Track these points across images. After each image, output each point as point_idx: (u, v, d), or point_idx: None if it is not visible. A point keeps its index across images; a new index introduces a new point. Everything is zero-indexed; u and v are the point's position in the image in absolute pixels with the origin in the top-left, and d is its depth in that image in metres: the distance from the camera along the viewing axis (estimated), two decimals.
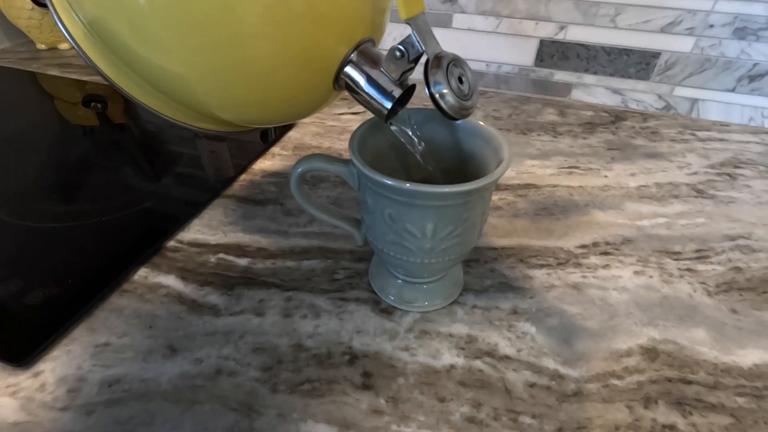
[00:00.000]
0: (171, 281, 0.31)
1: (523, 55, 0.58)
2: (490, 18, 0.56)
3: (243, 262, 0.33)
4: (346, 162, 0.25)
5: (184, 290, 0.31)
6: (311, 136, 0.49)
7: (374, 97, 0.25)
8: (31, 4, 0.65)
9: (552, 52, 0.56)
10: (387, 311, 0.29)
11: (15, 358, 0.25)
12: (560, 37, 0.55)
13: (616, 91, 0.57)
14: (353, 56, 0.25)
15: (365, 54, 0.25)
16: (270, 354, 0.27)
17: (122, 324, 0.28)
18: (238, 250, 0.34)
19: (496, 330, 0.28)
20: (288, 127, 0.50)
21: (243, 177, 0.42)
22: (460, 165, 0.29)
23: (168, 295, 0.30)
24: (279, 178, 0.42)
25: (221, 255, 0.33)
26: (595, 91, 0.57)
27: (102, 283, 0.30)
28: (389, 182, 0.21)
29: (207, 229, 0.36)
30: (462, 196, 0.22)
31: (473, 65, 0.60)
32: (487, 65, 0.60)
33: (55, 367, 0.25)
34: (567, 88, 0.58)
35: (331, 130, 0.51)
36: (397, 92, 0.25)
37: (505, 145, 0.24)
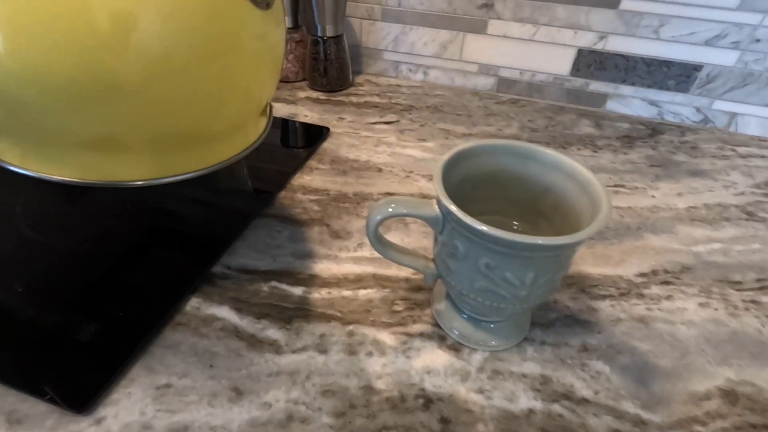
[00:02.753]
0: (225, 312, 0.30)
1: (559, 63, 0.56)
2: (527, 25, 0.55)
3: (297, 291, 0.32)
4: (432, 207, 0.23)
5: (240, 323, 0.29)
6: (347, 148, 0.48)
7: None
8: None
9: (589, 62, 0.55)
10: (454, 348, 0.28)
11: (76, 405, 0.24)
12: (599, 46, 0.53)
13: (652, 103, 0.56)
14: None
15: None
16: (340, 397, 0.25)
17: (180, 362, 0.27)
18: (290, 277, 0.33)
19: (569, 369, 0.27)
20: (322, 139, 0.49)
21: (283, 194, 0.41)
22: (533, 197, 0.27)
23: (224, 329, 0.29)
24: (320, 195, 0.41)
25: (273, 283, 0.32)
26: (631, 102, 0.56)
27: (155, 315, 0.29)
28: (500, 235, 0.20)
29: (254, 253, 0.34)
30: (572, 246, 0.21)
31: (506, 72, 0.59)
32: (520, 73, 0.58)
33: (117, 412, 0.24)
34: (602, 98, 0.57)
35: (366, 141, 0.49)
36: None
37: (604, 194, 0.23)
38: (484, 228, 0.20)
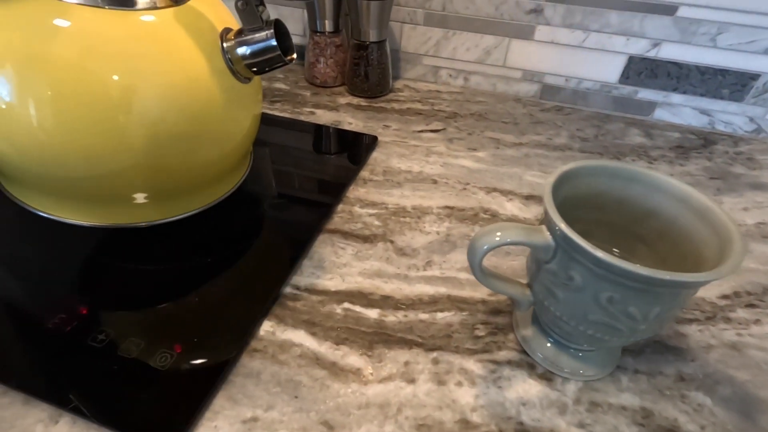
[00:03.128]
0: (301, 337, 0.28)
1: (608, 71, 0.55)
2: (577, 31, 0.53)
3: (372, 314, 0.30)
4: (543, 235, 0.22)
5: (318, 349, 0.28)
6: (397, 158, 0.46)
7: (263, 51, 0.29)
8: None
9: (640, 69, 0.53)
10: (546, 377, 0.27)
11: None
12: (652, 54, 0.52)
13: (704, 112, 0.54)
14: (226, 48, 0.29)
15: (227, 38, 0.29)
16: None
17: (264, 393, 0.25)
18: (363, 299, 0.31)
19: (670, 401, 0.26)
20: (372, 148, 0.47)
21: (340, 207, 0.39)
22: (632, 221, 0.26)
23: (303, 355, 0.27)
24: (379, 209, 0.39)
25: (346, 305, 0.31)
26: (681, 111, 0.55)
27: (232, 341, 0.27)
28: (643, 273, 0.18)
29: (321, 272, 0.33)
30: (704, 282, 0.19)
31: (550, 79, 0.57)
32: (566, 80, 0.57)
33: None
34: (650, 106, 0.56)
35: (415, 150, 0.48)
36: (270, 33, 0.29)
37: (730, 222, 0.21)
38: (616, 262, 0.19)
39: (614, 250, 0.27)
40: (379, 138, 0.49)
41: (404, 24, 0.59)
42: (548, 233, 0.22)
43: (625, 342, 0.23)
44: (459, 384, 0.26)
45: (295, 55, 0.30)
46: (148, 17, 0.27)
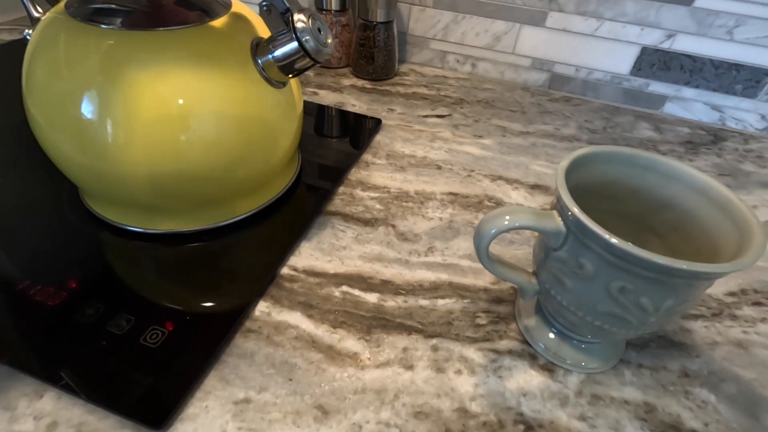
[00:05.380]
0: (297, 319, 0.28)
1: (619, 61, 0.53)
2: (591, 20, 0.52)
3: (371, 298, 0.29)
4: (554, 220, 0.21)
5: (315, 332, 0.27)
6: (401, 143, 0.45)
7: (291, 54, 0.29)
8: None
9: (653, 61, 0.52)
10: (548, 368, 0.26)
11: (154, 421, 0.22)
12: (666, 45, 0.51)
13: (715, 108, 0.53)
14: (259, 63, 0.29)
15: (259, 48, 0.30)
16: (435, 420, 0.23)
17: (257, 375, 0.25)
18: (362, 282, 0.30)
19: (673, 397, 0.26)
20: (375, 131, 0.46)
21: (341, 190, 0.38)
22: (645, 211, 0.25)
23: (299, 338, 0.27)
24: (381, 192, 0.38)
25: (345, 288, 0.30)
26: (692, 105, 0.54)
27: (225, 320, 0.26)
28: (658, 261, 0.17)
29: (320, 254, 0.32)
30: (722, 274, 0.18)
31: (560, 68, 0.56)
32: (576, 70, 0.56)
33: (197, 429, 0.22)
34: (661, 100, 0.55)
35: (420, 135, 0.47)
36: (296, 37, 0.28)
37: (751, 216, 0.20)
38: (641, 253, 0.18)
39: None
40: (383, 121, 0.48)
41: (413, 6, 0.58)
42: (559, 219, 0.21)
43: (632, 335, 0.23)
44: (458, 372, 0.26)
45: (329, 51, 0.30)
46: (194, 36, 0.28)
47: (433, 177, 0.41)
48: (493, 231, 0.21)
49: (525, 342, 0.28)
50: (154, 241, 0.31)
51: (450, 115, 0.51)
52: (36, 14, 0.30)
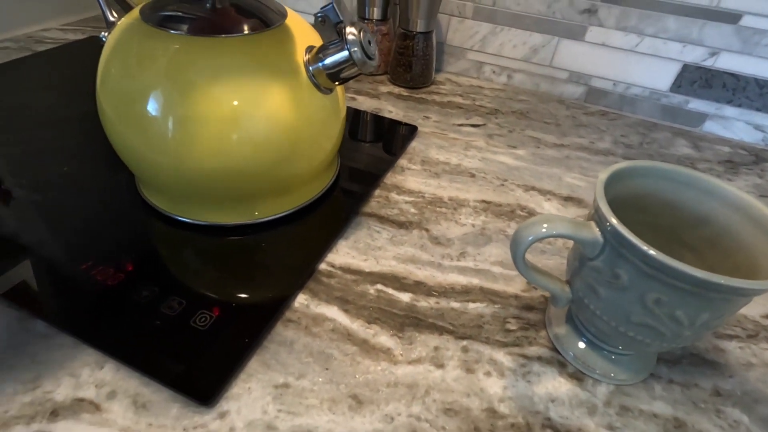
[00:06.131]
0: (334, 313, 0.29)
1: (659, 78, 0.53)
2: (631, 35, 0.52)
3: (405, 297, 0.31)
4: (591, 229, 0.22)
5: (350, 326, 0.28)
6: (436, 150, 0.46)
7: (340, 63, 0.31)
8: None
9: (694, 79, 0.52)
10: (576, 377, 0.27)
11: (203, 397, 0.23)
12: (708, 63, 0.50)
13: (758, 128, 0.52)
14: (310, 70, 0.31)
15: (311, 55, 0.31)
16: (464, 418, 0.24)
17: (296, 362, 0.26)
18: (396, 282, 0.32)
19: (704, 414, 0.26)
20: (411, 137, 0.47)
21: (377, 192, 0.40)
22: (680, 226, 0.25)
23: (335, 330, 0.28)
24: (416, 197, 0.40)
25: (379, 286, 0.31)
26: (733, 124, 0.53)
27: (267, 309, 0.28)
28: (696, 274, 0.18)
29: (356, 253, 0.33)
30: (761, 291, 0.19)
31: (597, 82, 0.56)
32: (614, 84, 0.56)
33: (240, 408, 0.24)
34: (700, 118, 0.54)
35: (454, 143, 0.48)
36: (346, 47, 0.30)
37: None
38: (679, 266, 0.18)
39: None
40: (419, 128, 0.49)
41: (452, 17, 0.59)
42: (597, 229, 0.22)
43: (665, 347, 0.23)
44: (488, 374, 0.27)
45: (375, 63, 0.31)
46: (252, 43, 0.30)
47: (467, 184, 0.42)
48: (530, 238, 0.22)
49: (554, 350, 0.28)
50: (200, 232, 0.33)
51: (484, 124, 0.52)
52: (112, 18, 0.32)
